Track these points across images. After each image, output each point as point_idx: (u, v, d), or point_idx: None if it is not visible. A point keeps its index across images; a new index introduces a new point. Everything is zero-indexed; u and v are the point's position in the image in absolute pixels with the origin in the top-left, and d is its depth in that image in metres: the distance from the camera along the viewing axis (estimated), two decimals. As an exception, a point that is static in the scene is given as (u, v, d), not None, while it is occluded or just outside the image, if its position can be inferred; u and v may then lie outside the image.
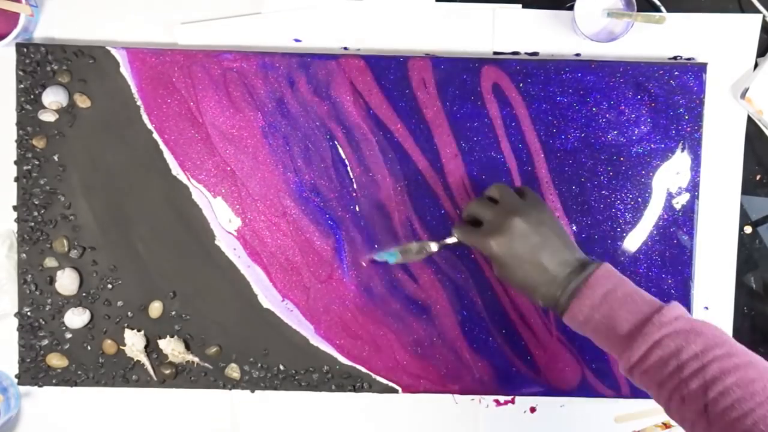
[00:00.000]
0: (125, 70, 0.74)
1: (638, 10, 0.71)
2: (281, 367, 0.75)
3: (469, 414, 0.77)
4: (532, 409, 0.77)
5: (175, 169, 0.74)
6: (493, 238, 0.63)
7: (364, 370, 0.75)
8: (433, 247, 0.71)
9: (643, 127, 0.74)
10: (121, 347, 0.75)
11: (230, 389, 0.75)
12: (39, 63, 0.73)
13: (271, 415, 0.77)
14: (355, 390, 0.75)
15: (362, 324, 0.75)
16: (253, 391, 0.76)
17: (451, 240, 0.69)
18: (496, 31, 0.75)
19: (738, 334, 0.77)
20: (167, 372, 0.75)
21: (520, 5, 0.75)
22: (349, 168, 0.74)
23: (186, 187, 0.74)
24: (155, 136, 0.74)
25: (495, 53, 0.75)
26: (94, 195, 0.74)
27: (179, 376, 0.75)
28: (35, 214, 0.74)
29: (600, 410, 0.77)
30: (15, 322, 0.75)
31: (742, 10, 0.76)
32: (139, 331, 0.75)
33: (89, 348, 0.75)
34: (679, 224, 0.75)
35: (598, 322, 0.58)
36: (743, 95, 0.74)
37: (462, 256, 0.74)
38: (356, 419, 0.77)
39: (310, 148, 0.74)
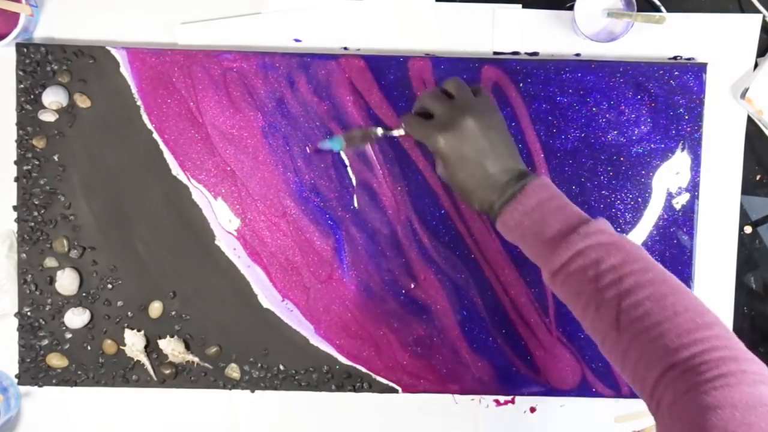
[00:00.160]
0: (125, 70, 0.74)
1: (638, 10, 0.71)
2: (281, 367, 0.75)
3: (469, 414, 0.77)
4: (532, 409, 0.77)
5: (175, 169, 0.74)
6: (442, 134, 0.62)
7: (364, 370, 0.75)
8: (378, 132, 0.70)
9: (643, 127, 0.74)
10: (121, 347, 0.75)
11: (230, 389, 0.75)
12: (39, 63, 0.73)
13: (271, 415, 0.77)
14: (355, 390, 0.75)
15: (362, 324, 0.75)
16: (253, 391, 0.76)
17: (397, 132, 0.68)
18: (496, 31, 0.75)
19: (738, 334, 0.76)
20: (167, 372, 0.75)
21: (520, 5, 0.75)
22: (349, 168, 0.74)
23: (186, 187, 0.74)
24: (155, 136, 0.74)
25: (495, 53, 0.75)
26: (94, 195, 0.74)
27: (179, 376, 0.75)
28: (35, 214, 0.74)
29: (600, 410, 0.77)
30: (15, 322, 0.75)
31: (742, 10, 0.76)
32: (139, 331, 0.75)
33: (89, 348, 0.75)
34: (679, 224, 0.75)
35: (527, 228, 0.59)
36: (743, 95, 0.74)
37: (462, 256, 0.74)
38: (356, 419, 0.77)
39: (310, 148, 0.74)
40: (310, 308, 0.75)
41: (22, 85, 0.73)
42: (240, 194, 0.74)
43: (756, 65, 0.76)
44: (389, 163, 0.74)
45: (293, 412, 0.77)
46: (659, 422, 0.49)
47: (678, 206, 0.75)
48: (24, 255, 0.74)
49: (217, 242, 0.75)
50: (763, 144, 0.76)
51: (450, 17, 0.75)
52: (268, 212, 0.74)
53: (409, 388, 0.75)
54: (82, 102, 0.74)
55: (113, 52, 0.73)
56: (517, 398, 0.77)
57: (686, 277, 0.74)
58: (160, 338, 0.75)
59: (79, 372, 0.75)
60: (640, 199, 0.74)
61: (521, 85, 0.74)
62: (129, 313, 0.75)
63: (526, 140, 0.74)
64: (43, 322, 0.75)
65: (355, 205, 0.74)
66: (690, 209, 0.74)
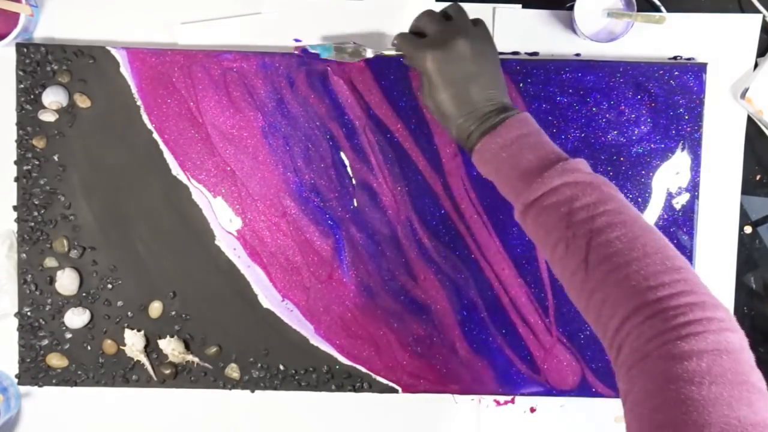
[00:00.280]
0: (125, 70, 0.74)
1: (638, 10, 0.71)
2: (281, 367, 0.75)
3: (469, 414, 0.77)
4: (532, 409, 0.77)
5: (175, 169, 0.74)
6: (431, 51, 0.60)
7: (364, 370, 0.75)
8: (369, 53, 0.69)
9: (643, 127, 0.74)
10: (121, 347, 0.75)
11: (230, 389, 0.75)
12: (39, 63, 0.73)
13: (271, 415, 0.77)
14: (355, 390, 0.75)
15: (362, 324, 0.75)
16: (253, 391, 0.76)
17: (388, 51, 0.67)
18: (496, 31, 0.75)
19: (738, 334, 0.77)
20: (167, 372, 0.75)
21: (520, 5, 0.75)
22: (349, 168, 0.74)
23: (186, 187, 0.74)
24: (155, 136, 0.74)
25: (495, 53, 0.75)
26: (94, 195, 0.74)
27: (179, 376, 0.75)
28: (35, 214, 0.74)
29: (600, 410, 0.77)
30: (15, 322, 0.75)
31: (742, 10, 0.76)
32: (139, 331, 0.75)
33: (89, 348, 0.75)
34: (679, 224, 0.75)
35: (503, 160, 0.58)
36: (743, 95, 0.74)
37: (462, 256, 0.74)
38: (356, 419, 0.77)
39: (310, 148, 0.74)
40: (310, 308, 0.75)
41: (22, 85, 0.73)
42: (240, 194, 0.74)
43: (756, 65, 0.76)
44: (389, 163, 0.74)
45: (293, 412, 0.77)
46: (620, 371, 0.47)
47: (678, 206, 0.75)
48: (24, 255, 0.74)
49: (217, 242, 0.75)
50: (763, 144, 0.76)
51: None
52: (268, 212, 0.74)
53: (409, 388, 0.75)
54: (82, 102, 0.74)
55: (113, 52, 0.73)
56: (517, 398, 0.77)
57: (686, 277, 0.74)
58: (160, 338, 0.75)
59: (79, 372, 0.75)
60: (640, 199, 0.74)
61: (521, 85, 0.74)
62: (129, 313, 0.75)
63: (526, 140, 0.74)
64: (43, 322, 0.75)
65: (355, 205, 0.74)
66: (690, 209, 0.74)
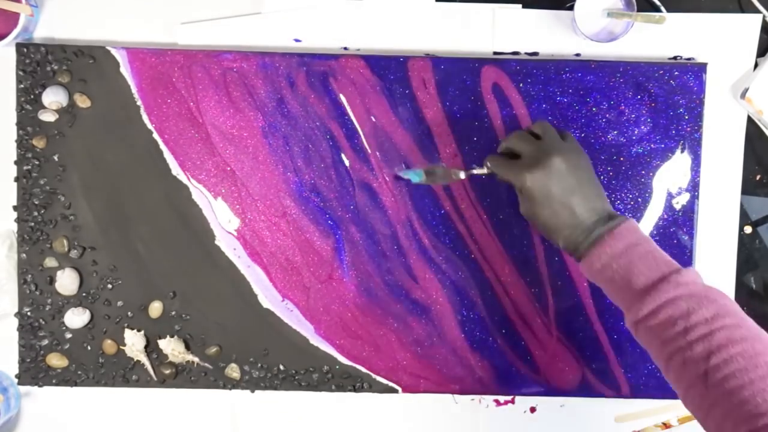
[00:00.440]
0: (125, 70, 0.74)
1: (638, 10, 0.71)
2: (281, 367, 0.75)
3: (469, 414, 0.77)
4: (532, 409, 0.77)
5: (175, 169, 0.74)
6: (530, 172, 0.62)
7: (364, 370, 0.75)
8: (461, 174, 0.70)
9: (643, 127, 0.74)
10: (121, 347, 0.75)
11: (230, 389, 0.75)
12: (39, 63, 0.73)
13: (271, 415, 0.77)
14: (355, 390, 0.75)
15: (362, 324, 0.75)
16: (253, 391, 0.76)
17: (479, 170, 0.69)
18: (496, 31, 0.75)
19: (738, 334, 0.77)
20: (167, 372, 0.75)
21: (520, 5, 0.75)
22: (349, 168, 0.74)
23: (186, 187, 0.74)
24: (155, 136, 0.74)
25: (495, 53, 0.75)
26: (94, 195, 0.74)
27: (179, 376, 0.75)
28: (35, 214, 0.74)
29: (600, 410, 0.77)
30: (15, 322, 0.75)
31: (742, 10, 0.76)
32: (139, 331, 0.75)
33: (89, 348, 0.75)
34: (679, 224, 0.75)
35: (614, 271, 0.59)
36: (743, 95, 0.74)
37: (462, 256, 0.74)
38: (356, 419, 0.77)
39: (310, 148, 0.74)
40: (310, 308, 0.75)
41: (22, 85, 0.74)
42: (240, 194, 0.74)
43: (756, 65, 0.76)
44: (389, 164, 0.74)
45: (293, 412, 0.77)
46: None
47: (678, 206, 0.75)
48: (24, 255, 0.74)
49: (217, 242, 0.75)
50: (763, 144, 0.76)
51: (450, 17, 0.75)
52: (268, 212, 0.74)
53: (409, 388, 0.75)
54: (82, 102, 0.74)
55: (113, 52, 0.73)
56: (517, 398, 0.77)
57: (686, 277, 0.74)
58: (160, 338, 0.75)
59: (79, 372, 0.75)
60: (640, 199, 0.74)
61: (521, 85, 0.74)
62: (129, 313, 0.75)
63: (526, 140, 0.74)
64: (43, 322, 0.75)
65: (355, 205, 0.74)
66: (690, 209, 0.74)
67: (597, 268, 0.60)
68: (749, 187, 0.76)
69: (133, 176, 0.74)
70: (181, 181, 0.74)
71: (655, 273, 0.57)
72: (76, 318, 0.74)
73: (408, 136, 0.74)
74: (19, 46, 0.73)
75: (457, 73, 0.73)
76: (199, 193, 0.74)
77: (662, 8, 0.75)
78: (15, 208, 0.74)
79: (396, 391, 0.75)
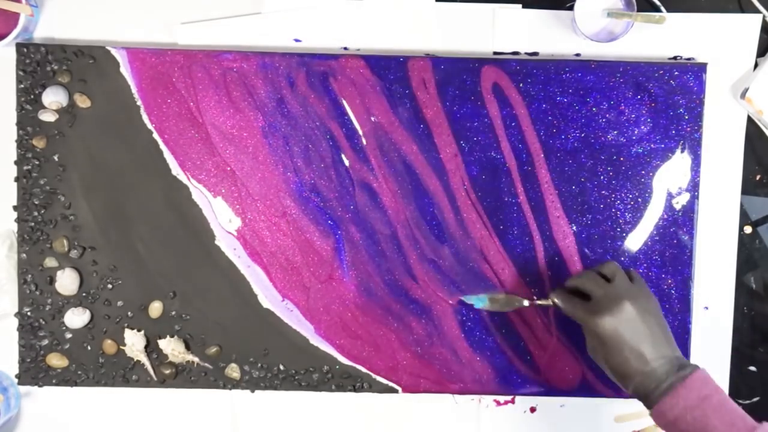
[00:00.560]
0: (125, 70, 0.74)
1: (638, 10, 0.71)
2: (281, 367, 0.75)
3: (469, 414, 0.77)
4: (532, 409, 0.77)
5: (175, 169, 0.74)
6: (601, 317, 0.63)
7: (364, 370, 0.75)
8: (525, 302, 0.72)
9: (643, 127, 0.74)
10: (121, 347, 0.75)
11: (230, 389, 0.75)
12: (39, 63, 0.73)
13: (271, 415, 0.77)
14: (355, 390, 0.75)
15: (362, 324, 0.75)
16: (253, 391, 0.76)
17: (544, 302, 0.71)
18: (496, 31, 0.75)
19: (738, 334, 0.77)
20: (167, 372, 0.75)
21: (520, 5, 0.75)
22: (349, 168, 0.74)
23: (186, 187, 0.74)
24: (155, 136, 0.74)
25: (495, 53, 0.75)
26: (94, 195, 0.74)
27: (179, 376, 0.75)
28: (35, 214, 0.74)
29: (600, 410, 0.77)
30: (15, 322, 0.75)
31: (742, 10, 0.76)
32: (139, 331, 0.75)
33: (89, 348, 0.75)
34: (679, 224, 0.75)
35: (688, 424, 0.59)
36: (743, 95, 0.74)
37: (462, 257, 0.74)
38: (356, 419, 0.77)
39: (310, 148, 0.74)
40: (310, 308, 0.75)
41: (22, 85, 0.74)
42: (240, 194, 0.74)
43: (756, 65, 0.76)
44: (389, 164, 0.74)
45: (293, 412, 0.77)
46: None
47: (678, 206, 0.75)
48: (24, 255, 0.74)
49: (217, 242, 0.75)
50: (763, 144, 0.76)
51: (450, 17, 0.75)
52: (268, 212, 0.74)
53: (409, 388, 0.75)
54: (82, 102, 0.74)
55: (113, 52, 0.73)
56: (517, 398, 0.77)
57: (686, 277, 0.74)
58: (160, 338, 0.75)
59: (79, 372, 0.75)
60: (640, 199, 0.74)
61: (521, 85, 0.74)
62: (129, 313, 0.75)
63: (526, 140, 0.74)
64: (43, 322, 0.75)
65: (355, 205, 0.74)
66: (690, 209, 0.74)
67: (670, 419, 0.60)
68: (749, 187, 0.76)
69: (133, 176, 0.74)
70: (181, 181, 0.74)
71: (730, 429, 0.58)
72: (76, 318, 0.74)
73: (408, 136, 0.74)
74: (19, 46, 0.73)
75: (457, 73, 0.73)
76: (199, 193, 0.74)
77: (662, 8, 0.75)
78: (15, 208, 0.74)
79: (396, 391, 0.75)
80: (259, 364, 0.75)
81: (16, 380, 0.76)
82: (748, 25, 0.75)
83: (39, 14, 0.75)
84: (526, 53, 0.75)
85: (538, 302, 0.71)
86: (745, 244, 0.77)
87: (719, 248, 0.76)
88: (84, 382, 0.75)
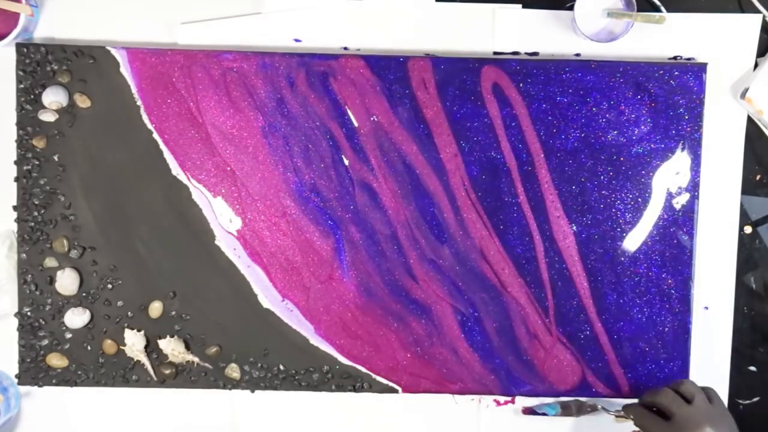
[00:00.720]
0: (125, 70, 0.74)
1: (638, 10, 0.71)
2: (281, 367, 0.75)
3: (469, 414, 0.77)
4: (532, 409, 0.77)
5: (175, 169, 0.74)
6: None
7: (364, 370, 0.75)
8: (598, 406, 0.74)
9: (643, 127, 0.74)
10: (121, 347, 0.75)
11: (230, 389, 0.75)
12: (39, 63, 0.73)
13: (271, 415, 0.77)
14: (355, 390, 0.75)
15: (362, 324, 0.75)
16: (253, 391, 0.76)
17: (618, 415, 0.72)
18: (496, 31, 0.75)
19: (738, 334, 0.77)
20: (167, 372, 0.75)
21: (520, 5, 0.75)
22: (349, 168, 0.74)
23: (186, 187, 0.74)
24: (155, 136, 0.74)
25: (495, 53, 0.75)
26: (94, 195, 0.74)
27: (179, 376, 0.75)
28: (35, 214, 0.74)
29: (600, 410, 0.77)
30: (15, 322, 0.75)
31: (742, 10, 0.76)
32: (139, 331, 0.75)
33: (89, 348, 0.75)
34: (679, 224, 0.75)
35: None
36: (743, 95, 0.74)
37: (462, 257, 0.74)
38: (356, 419, 0.77)
39: (310, 148, 0.74)
40: (310, 308, 0.75)
41: (22, 85, 0.74)
42: (240, 194, 0.74)
43: (756, 65, 0.76)
44: (389, 164, 0.74)
45: (293, 412, 0.77)
46: None
47: (678, 206, 0.75)
48: (24, 255, 0.74)
49: (217, 242, 0.75)
50: (763, 144, 0.76)
51: (450, 17, 0.75)
52: (268, 212, 0.74)
53: (409, 388, 0.75)
54: (82, 102, 0.74)
55: (113, 52, 0.73)
56: (517, 398, 0.77)
57: (686, 277, 0.74)
58: (160, 338, 0.75)
59: (79, 372, 0.75)
60: (640, 199, 0.74)
61: (521, 85, 0.74)
62: (129, 313, 0.75)
63: (526, 140, 0.74)
64: (43, 322, 0.75)
65: (355, 205, 0.74)
66: (690, 209, 0.74)
67: None
68: (749, 187, 0.76)
69: (133, 176, 0.74)
70: (181, 181, 0.74)
71: None
72: (76, 318, 0.74)
73: (408, 136, 0.74)
74: (19, 46, 0.73)
75: (457, 73, 0.73)
76: (199, 193, 0.74)
77: (662, 8, 0.75)
78: (15, 208, 0.74)
79: (396, 391, 0.75)
80: (259, 364, 0.75)
81: (16, 380, 0.76)
82: (748, 25, 0.75)
83: (39, 14, 0.75)
84: (526, 53, 0.75)
85: (614, 414, 0.72)
86: (745, 244, 0.77)
87: (719, 248, 0.76)
88: (84, 382, 0.75)
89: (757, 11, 0.75)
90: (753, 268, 0.77)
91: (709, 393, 0.69)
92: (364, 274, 0.74)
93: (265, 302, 0.75)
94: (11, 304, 0.75)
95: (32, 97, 0.73)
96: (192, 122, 0.74)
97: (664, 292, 0.74)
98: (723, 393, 0.76)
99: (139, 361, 0.75)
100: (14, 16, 0.71)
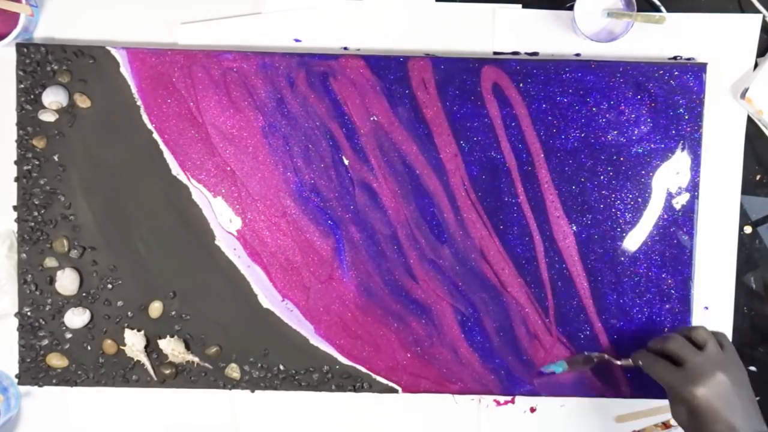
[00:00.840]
0: (125, 70, 0.74)
1: (638, 10, 0.71)
2: (281, 367, 0.75)
3: (469, 414, 0.77)
4: (532, 409, 0.77)
5: (175, 169, 0.74)
6: (695, 387, 0.62)
7: (364, 370, 0.75)
8: (605, 356, 0.73)
9: (643, 127, 0.74)
10: (121, 347, 0.75)
11: (230, 389, 0.75)
12: (39, 63, 0.73)
13: (271, 415, 0.77)
14: (355, 390, 0.75)
15: (362, 324, 0.75)
16: (253, 391, 0.76)
17: (625, 362, 0.71)
18: (496, 31, 0.75)
19: (738, 334, 0.77)
20: (167, 372, 0.75)
21: (520, 5, 0.75)
22: (349, 168, 0.74)
23: (186, 187, 0.74)
24: (155, 136, 0.74)
25: (495, 53, 0.75)
26: (94, 195, 0.74)
27: (179, 376, 0.75)
28: (35, 214, 0.74)
29: (600, 410, 0.77)
30: (15, 322, 0.75)
31: (742, 10, 0.76)
32: (139, 331, 0.75)
33: (89, 348, 0.75)
34: (679, 224, 0.75)
35: None
36: (743, 95, 0.74)
37: (462, 257, 0.74)
38: (356, 419, 0.77)
39: (310, 148, 0.74)
40: (310, 308, 0.75)
41: (22, 85, 0.74)
42: (240, 194, 0.74)
43: (756, 65, 0.76)
44: (389, 164, 0.74)
45: (293, 412, 0.77)
46: None
47: (678, 206, 0.75)
48: (24, 255, 0.74)
49: (217, 242, 0.75)
50: (763, 144, 0.76)
51: (450, 17, 0.75)
52: (268, 212, 0.74)
53: (409, 388, 0.75)
54: (82, 102, 0.74)
55: (113, 52, 0.73)
56: (517, 398, 0.77)
57: (686, 277, 0.74)
58: (160, 338, 0.75)
59: (79, 372, 0.75)
60: (640, 199, 0.74)
61: (521, 85, 0.74)
62: (129, 313, 0.75)
63: (526, 140, 0.74)
64: (43, 322, 0.75)
65: (355, 205, 0.74)
66: (690, 209, 0.74)
67: None
68: (749, 187, 0.76)
69: (133, 176, 0.74)
70: (181, 181, 0.74)
71: None
72: (76, 318, 0.74)
73: (408, 136, 0.74)
74: (19, 46, 0.73)
75: (457, 73, 0.73)
76: (199, 193, 0.74)
77: (662, 8, 0.75)
78: (15, 208, 0.74)
79: (396, 391, 0.75)
80: (259, 364, 0.75)
81: (16, 380, 0.76)
82: (748, 25, 0.75)
83: (39, 14, 0.75)
84: (526, 53, 0.75)
85: (619, 362, 0.71)
86: (745, 244, 0.77)
87: (719, 248, 0.76)
88: (84, 382, 0.75)
89: (757, 11, 0.75)
90: (753, 268, 0.77)
91: (720, 339, 0.67)
92: (364, 274, 0.74)
93: (265, 302, 0.75)
94: (11, 304, 0.75)
95: (32, 97, 0.73)
96: (192, 122, 0.74)
97: (664, 292, 0.74)
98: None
99: (139, 361, 0.75)
100: (14, 16, 0.71)
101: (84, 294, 0.75)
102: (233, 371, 0.75)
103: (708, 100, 0.74)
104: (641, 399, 0.75)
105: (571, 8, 0.73)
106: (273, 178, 0.74)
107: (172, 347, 0.74)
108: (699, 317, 0.76)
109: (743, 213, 0.76)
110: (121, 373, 0.75)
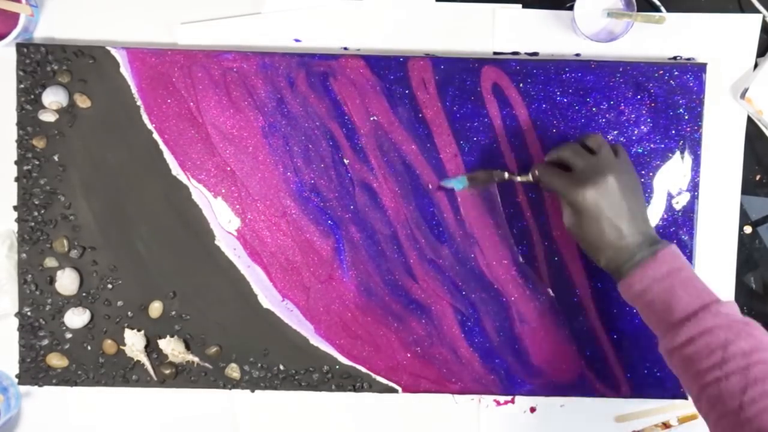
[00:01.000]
0: (125, 70, 0.74)
1: (638, 10, 0.71)
2: (281, 367, 0.75)
3: (469, 414, 0.77)
4: (532, 409, 0.77)
5: (175, 169, 0.74)
6: (583, 188, 0.62)
7: (364, 370, 0.75)
8: (505, 175, 0.70)
9: (643, 127, 0.74)
10: (121, 347, 0.75)
11: (230, 389, 0.75)
12: (39, 63, 0.73)
13: (271, 415, 0.77)
14: (355, 390, 0.75)
15: (362, 324, 0.75)
16: (253, 391, 0.76)
17: (523, 178, 0.69)
18: (496, 31, 0.75)
19: (738, 334, 0.77)
20: (167, 372, 0.75)
21: (520, 5, 0.75)
22: (349, 168, 0.74)
23: (186, 187, 0.74)
24: (155, 136, 0.74)
25: (495, 53, 0.75)
26: (94, 195, 0.74)
27: (179, 376, 0.75)
28: (35, 214, 0.74)
29: (600, 410, 0.77)
30: (15, 322, 0.75)
31: (742, 10, 0.76)
32: (139, 331, 0.75)
33: (89, 348, 0.75)
34: (679, 224, 0.75)
35: (654, 295, 0.59)
36: (743, 95, 0.74)
37: (462, 256, 0.74)
38: (356, 419, 0.77)
39: (310, 148, 0.74)
40: (310, 308, 0.75)
41: (22, 85, 0.74)
42: (240, 194, 0.74)
43: (756, 65, 0.76)
44: (389, 164, 0.74)
45: (293, 412, 0.77)
46: None
47: (678, 206, 0.75)
48: (24, 255, 0.74)
49: (217, 242, 0.75)
50: (763, 144, 0.76)
51: (450, 17, 0.75)
52: (268, 212, 0.74)
53: (409, 388, 0.75)
54: (82, 102, 0.74)
55: (113, 52, 0.73)
56: (517, 398, 0.77)
57: (686, 277, 0.74)
58: (160, 338, 0.75)
59: (79, 372, 0.75)
60: (640, 199, 0.74)
61: (521, 85, 0.74)
62: (129, 313, 0.75)
63: (526, 140, 0.74)
64: (43, 322, 0.75)
65: (355, 205, 0.74)
66: (690, 209, 0.74)
67: (637, 291, 0.61)
68: (749, 187, 0.76)
69: (133, 176, 0.74)
70: (181, 181, 0.74)
71: (696, 301, 0.58)
72: (76, 318, 0.74)
73: (408, 136, 0.74)
74: (19, 46, 0.73)
75: (457, 73, 0.73)
76: (199, 193, 0.74)
77: (662, 8, 0.75)
78: (15, 208, 0.74)
79: (396, 391, 0.75)
80: (259, 364, 0.75)
81: (16, 380, 0.76)
82: (748, 25, 0.75)
83: (39, 14, 0.75)
84: (526, 53, 0.75)
85: (518, 178, 0.69)
86: (745, 244, 0.77)
87: (719, 248, 0.76)
88: (84, 382, 0.75)
89: (757, 11, 0.75)
90: (753, 268, 0.77)
91: (616, 148, 0.67)
92: (364, 274, 0.75)
93: (265, 302, 0.75)
94: (11, 304, 0.75)
95: (32, 97, 0.73)
96: (192, 122, 0.74)
97: (664, 292, 0.74)
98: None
99: (139, 361, 0.75)
100: (14, 16, 0.71)
101: (84, 294, 0.75)
102: (233, 371, 0.75)
103: (708, 100, 0.74)
104: (641, 399, 0.75)
105: (571, 8, 0.73)
106: (273, 178, 0.74)
107: (172, 347, 0.74)
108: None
109: (743, 213, 0.76)
110: (121, 373, 0.75)
